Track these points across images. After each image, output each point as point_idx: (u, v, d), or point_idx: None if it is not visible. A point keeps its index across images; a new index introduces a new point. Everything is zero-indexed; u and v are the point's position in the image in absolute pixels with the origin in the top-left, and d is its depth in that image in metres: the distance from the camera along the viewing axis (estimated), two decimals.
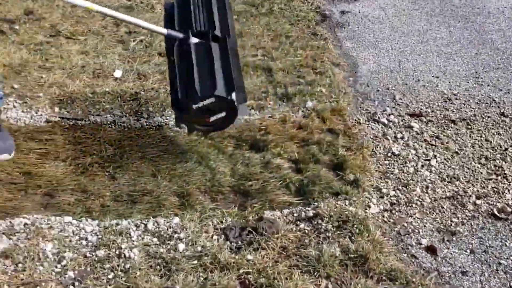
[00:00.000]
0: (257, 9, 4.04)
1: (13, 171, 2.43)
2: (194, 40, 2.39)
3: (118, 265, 2.02)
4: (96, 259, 2.05)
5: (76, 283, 1.96)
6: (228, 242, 2.14)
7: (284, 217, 2.27)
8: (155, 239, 2.15)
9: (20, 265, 2.01)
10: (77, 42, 3.48)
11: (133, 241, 2.14)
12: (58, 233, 2.15)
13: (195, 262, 2.03)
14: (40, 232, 2.14)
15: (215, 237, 2.17)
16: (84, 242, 2.13)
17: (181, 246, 2.11)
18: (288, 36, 3.68)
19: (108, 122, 2.80)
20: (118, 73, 3.20)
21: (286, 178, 2.46)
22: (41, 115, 2.81)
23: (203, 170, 2.51)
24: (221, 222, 2.24)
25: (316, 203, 2.34)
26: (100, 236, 2.14)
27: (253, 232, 2.15)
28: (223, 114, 2.33)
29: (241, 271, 2.00)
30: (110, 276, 1.99)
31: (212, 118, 2.35)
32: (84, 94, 3.00)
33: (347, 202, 2.35)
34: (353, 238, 2.16)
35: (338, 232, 2.19)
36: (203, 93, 2.25)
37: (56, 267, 2.01)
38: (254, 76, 3.23)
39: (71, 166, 2.51)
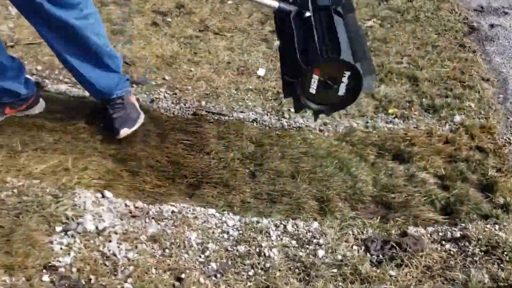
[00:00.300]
0: (402, 15, 3.93)
1: (162, 159, 2.54)
2: (309, 13, 2.06)
3: (258, 263, 2.05)
4: (237, 254, 2.09)
5: (218, 275, 2.01)
6: (368, 254, 2.10)
7: (429, 235, 2.19)
8: (293, 242, 2.16)
9: (167, 250, 2.09)
10: (224, 38, 3.56)
11: (272, 240, 2.15)
12: (202, 223, 2.22)
13: (335, 270, 2.01)
14: (186, 221, 2.22)
15: (355, 247, 2.14)
16: (225, 236, 2.18)
17: (321, 252, 2.09)
18: (434, 45, 3.55)
19: (250, 120, 2.85)
20: (261, 72, 3.25)
21: (431, 194, 2.38)
22: (189, 107, 2.91)
23: (343, 176, 2.48)
24: (362, 232, 2.20)
25: (463, 224, 2.23)
26: (241, 232, 2.18)
27: (396, 247, 2.09)
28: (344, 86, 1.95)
29: (383, 286, 1.96)
30: (250, 273, 2.02)
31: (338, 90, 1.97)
32: (228, 90, 3.07)
33: (496, 226, 2.22)
34: (502, 265, 2.04)
35: (486, 257, 2.08)
36: (325, 55, 1.90)
37: (200, 256, 2.08)
38: (398, 84, 3.15)
39: (214, 160, 2.57)
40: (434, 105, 2.94)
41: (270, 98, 3.03)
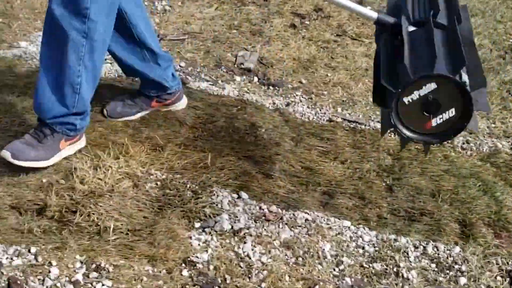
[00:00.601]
0: None
1: (296, 164, 2.53)
2: (410, 28, 1.92)
3: (396, 284, 1.98)
4: (373, 271, 2.04)
5: None
6: None
7: None
8: (433, 265, 2.07)
9: (300, 259, 2.08)
10: (362, 44, 3.51)
11: (411, 261, 2.08)
12: (336, 235, 2.19)
13: None
14: (320, 230, 2.20)
15: (499, 278, 2.01)
16: (361, 251, 2.13)
17: (462, 280, 1.99)
18: None
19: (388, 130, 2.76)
20: None
21: None
22: (324, 113, 2.88)
23: (487, 200, 2.35)
24: (507, 263, 2.07)
25: None
26: (377, 249, 2.13)
27: None
28: (452, 110, 1.75)
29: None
30: None
31: (436, 120, 1.79)
32: (365, 98, 3.01)
33: None
34: None
35: None
36: (416, 73, 1.71)
37: (334, 269, 2.05)
38: None
39: (349, 169, 2.53)
40: None
41: None
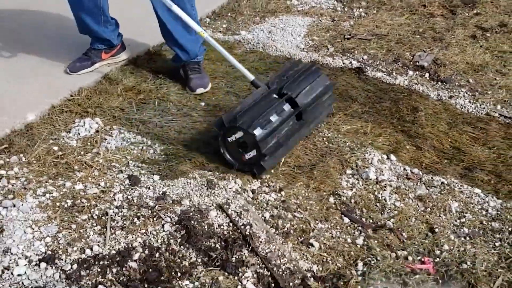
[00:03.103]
0: None
1: (446, 143, 2.92)
2: (272, 94, 2.68)
3: (507, 238, 2.31)
4: (490, 227, 2.38)
5: (467, 238, 2.34)
6: None
7: None
8: None
9: (428, 209, 2.50)
10: None
11: None
12: (466, 198, 2.56)
13: None
14: (452, 192, 2.58)
15: None
16: (484, 212, 2.48)
17: None
18: None
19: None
20: None
21: None
22: (483, 108, 3.21)
23: None
24: None
25: None
26: (499, 213, 2.45)
27: None
28: (254, 151, 2.50)
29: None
30: (497, 244, 2.30)
31: (247, 155, 2.54)
32: None
33: None
34: None
35: None
36: (230, 122, 2.51)
37: (455, 221, 2.43)
38: None
39: (494, 154, 2.84)
40: None
41: None
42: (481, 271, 2.14)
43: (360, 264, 2.20)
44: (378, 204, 2.52)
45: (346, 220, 2.42)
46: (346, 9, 4.44)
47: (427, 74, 3.53)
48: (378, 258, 2.21)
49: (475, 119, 3.12)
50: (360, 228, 2.38)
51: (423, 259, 2.22)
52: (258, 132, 2.48)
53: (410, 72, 3.55)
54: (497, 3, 4.49)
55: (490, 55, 3.74)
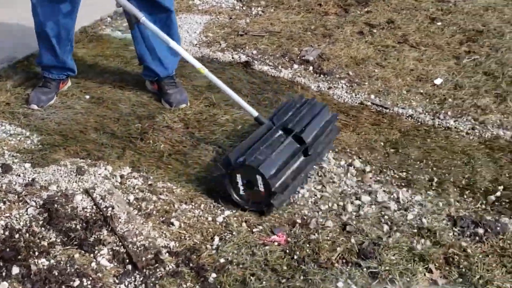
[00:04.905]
0: None
1: None
2: (278, 131, 2.61)
3: None
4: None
5: (320, 212, 2.50)
6: (454, 227, 2.38)
7: None
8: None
9: None
10: (418, 51, 3.96)
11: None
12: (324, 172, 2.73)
13: (415, 231, 2.35)
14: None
15: (445, 221, 2.42)
16: (339, 183, 2.65)
17: (410, 216, 2.43)
18: None
19: (407, 115, 3.23)
20: (438, 81, 3.58)
21: None
22: (358, 97, 3.42)
23: (465, 168, 2.74)
24: (457, 211, 2.47)
25: None
26: (358, 184, 2.64)
27: (479, 226, 2.34)
28: (263, 191, 2.39)
29: (450, 250, 2.24)
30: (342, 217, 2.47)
31: (254, 195, 2.42)
32: (400, 90, 3.49)
33: None
34: None
35: None
36: (237, 159, 2.40)
37: (314, 195, 2.60)
38: None
39: (361, 139, 3.03)
40: None
41: (434, 102, 3.36)
42: (324, 240, 2.30)
43: (217, 239, 2.33)
44: None
45: (211, 200, 2.55)
46: (244, 8, 4.61)
47: (311, 68, 3.72)
48: (234, 233, 2.35)
49: (349, 108, 3.32)
50: (223, 208, 2.51)
51: (277, 233, 2.37)
52: (268, 170, 2.39)
53: (296, 66, 3.73)
54: (388, 1, 4.75)
55: (373, 50, 3.96)
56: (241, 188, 2.45)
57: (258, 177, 2.38)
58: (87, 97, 3.27)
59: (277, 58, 3.82)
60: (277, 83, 3.52)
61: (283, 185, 2.43)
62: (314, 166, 2.71)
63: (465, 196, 2.59)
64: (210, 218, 2.44)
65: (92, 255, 2.20)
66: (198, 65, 2.69)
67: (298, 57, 3.84)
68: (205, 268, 2.17)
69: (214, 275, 2.14)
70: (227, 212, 2.46)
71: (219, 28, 4.22)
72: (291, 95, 3.14)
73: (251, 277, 2.12)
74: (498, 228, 2.33)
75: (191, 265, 2.19)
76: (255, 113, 2.69)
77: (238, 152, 2.45)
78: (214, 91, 3.35)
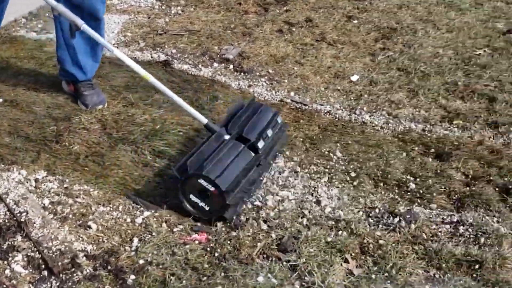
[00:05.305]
0: None
1: None
2: (227, 136, 2.55)
3: None
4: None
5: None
6: (369, 218, 2.45)
7: (431, 216, 2.46)
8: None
9: None
10: (335, 49, 4.06)
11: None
12: None
13: (332, 222, 2.41)
14: None
15: (361, 212, 2.50)
16: None
17: (328, 210, 2.49)
18: None
19: (326, 111, 3.31)
20: (355, 77, 3.69)
21: (451, 188, 2.63)
22: (278, 95, 3.47)
23: (379, 161, 2.83)
24: (372, 202, 2.56)
25: (464, 213, 2.47)
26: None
27: (392, 216, 2.43)
28: (217, 202, 2.34)
29: (365, 240, 2.31)
30: None
31: (207, 206, 2.38)
32: (318, 87, 3.57)
33: (495, 219, 2.42)
34: (481, 247, 2.26)
35: (471, 239, 2.31)
36: (194, 170, 2.33)
37: None
38: (476, 102, 3.37)
39: None
40: (497, 121, 3.12)
41: (351, 98, 3.45)
42: (245, 236, 2.32)
43: (136, 240, 2.30)
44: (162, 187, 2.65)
45: (129, 202, 2.51)
46: (164, 7, 4.57)
47: (231, 66, 3.74)
48: (154, 234, 2.33)
49: (269, 105, 3.34)
50: (142, 209, 2.48)
51: (198, 233, 2.36)
52: (223, 182, 2.32)
53: (216, 64, 3.74)
54: (307, 0, 4.85)
55: (292, 48, 4.03)
56: (194, 197, 2.39)
57: (213, 188, 2.32)
58: (0, 100, 3.14)
59: (197, 56, 3.82)
60: (197, 81, 3.52)
61: (238, 198, 2.40)
62: (264, 174, 2.68)
63: (380, 188, 2.67)
64: (128, 220, 2.41)
65: (6, 262, 2.12)
66: (142, 72, 2.64)
67: (218, 55, 3.85)
68: (123, 270, 2.13)
69: (133, 276, 2.11)
70: (146, 213, 2.43)
71: (137, 27, 4.17)
72: (244, 99, 3.09)
73: (171, 277, 2.10)
74: (410, 217, 2.42)
75: (109, 268, 2.15)
76: (204, 120, 2.62)
77: (194, 161, 2.36)
78: (132, 90, 3.31)
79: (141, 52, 3.79)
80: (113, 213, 2.44)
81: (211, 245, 2.29)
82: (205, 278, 2.13)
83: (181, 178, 2.38)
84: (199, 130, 2.99)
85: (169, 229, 2.37)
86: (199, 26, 4.25)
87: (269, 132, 2.67)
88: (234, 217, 2.41)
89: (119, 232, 2.34)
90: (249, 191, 2.50)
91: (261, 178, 2.64)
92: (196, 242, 2.31)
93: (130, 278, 2.11)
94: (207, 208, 2.39)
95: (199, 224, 2.40)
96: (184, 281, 2.10)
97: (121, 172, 2.68)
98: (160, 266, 2.16)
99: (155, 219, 2.41)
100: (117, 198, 2.52)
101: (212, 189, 2.32)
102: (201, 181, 2.33)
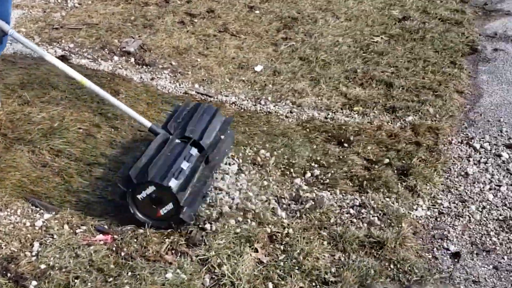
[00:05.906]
0: (411, 34, 4.23)
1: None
2: (175, 140, 2.46)
3: None
4: None
5: None
6: (277, 206, 2.48)
7: (335, 201, 2.53)
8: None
9: None
10: (238, 39, 4.07)
11: None
12: None
13: (241, 213, 2.41)
14: None
15: (272, 202, 2.52)
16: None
17: (236, 201, 2.50)
18: (426, 60, 3.83)
19: (231, 102, 3.31)
20: (258, 68, 3.71)
21: (353, 172, 2.71)
22: (182, 87, 3.43)
23: (285, 150, 2.86)
24: (278, 191, 2.58)
25: (366, 196, 2.56)
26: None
27: (298, 203, 2.47)
28: (170, 204, 2.25)
29: (274, 229, 2.33)
30: None
31: (163, 211, 2.27)
32: (223, 78, 3.56)
33: (394, 200, 2.53)
34: (383, 228, 2.35)
35: (374, 221, 2.40)
36: (139, 178, 2.22)
37: None
38: (375, 88, 3.49)
39: None
40: (394, 106, 3.25)
41: (256, 89, 3.47)
42: (152, 233, 2.28)
43: (36, 244, 2.20)
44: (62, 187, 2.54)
45: (28, 205, 2.40)
46: (60, 1, 4.38)
47: (132, 59, 3.65)
48: (55, 237, 2.23)
49: (174, 98, 3.31)
50: (42, 211, 2.37)
51: (103, 233, 2.29)
52: (173, 184, 2.22)
53: (116, 58, 3.64)
54: None
55: (195, 39, 3.99)
56: (144, 205, 2.27)
57: (163, 192, 2.23)
58: None
59: (96, 50, 3.70)
60: (97, 76, 3.40)
61: (191, 198, 2.30)
62: (215, 172, 2.60)
63: (286, 176, 2.71)
64: (28, 224, 2.30)
65: None
66: (79, 77, 2.53)
67: (119, 49, 3.75)
68: (24, 276, 2.04)
69: (34, 282, 2.02)
70: (46, 216, 2.34)
71: (32, 22, 3.97)
72: (186, 101, 2.98)
73: (75, 280, 2.03)
74: (315, 203, 2.47)
75: (9, 275, 2.05)
76: (148, 124, 2.52)
77: (138, 168, 2.25)
78: (28, 88, 3.15)
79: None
80: (11, 217, 2.32)
81: (117, 244, 2.23)
82: (111, 279, 2.07)
83: (127, 190, 2.26)
84: (100, 126, 2.91)
85: (71, 231, 2.28)
86: (97, 19, 4.11)
87: (213, 129, 2.59)
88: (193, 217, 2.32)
89: (18, 237, 2.23)
90: (203, 188, 2.40)
91: (213, 174, 2.56)
92: (101, 242, 2.24)
93: (32, 284, 2.02)
94: (162, 213, 2.28)
95: (103, 222, 2.33)
96: (89, 284, 2.03)
97: (18, 174, 2.55)
98: (63, 270, 2.08)
99: (56, 221, 2.32)
100: (14, 202, 2.40)
101: (163, 192, 2.23)
102: (151, 187, 2.23)
